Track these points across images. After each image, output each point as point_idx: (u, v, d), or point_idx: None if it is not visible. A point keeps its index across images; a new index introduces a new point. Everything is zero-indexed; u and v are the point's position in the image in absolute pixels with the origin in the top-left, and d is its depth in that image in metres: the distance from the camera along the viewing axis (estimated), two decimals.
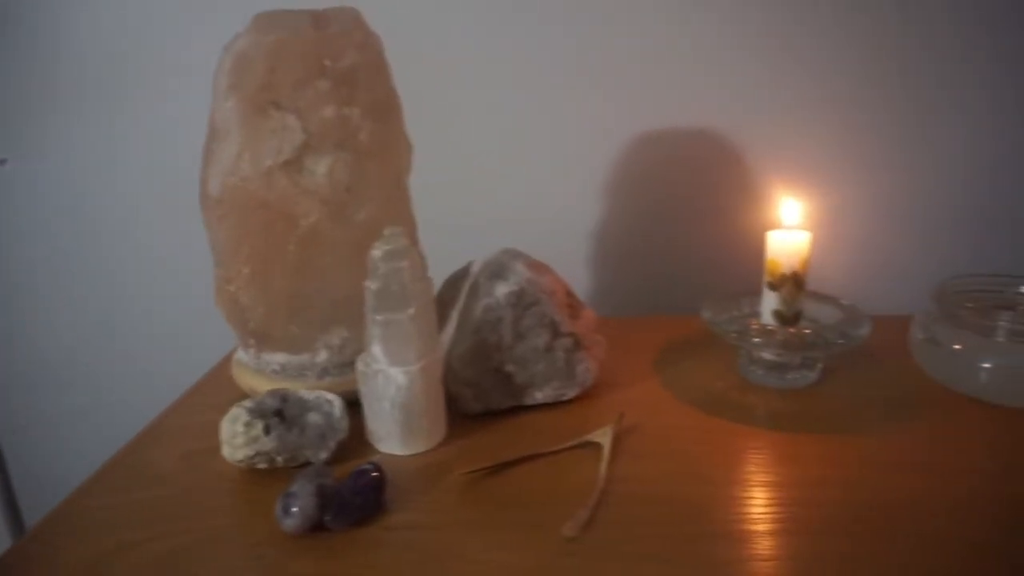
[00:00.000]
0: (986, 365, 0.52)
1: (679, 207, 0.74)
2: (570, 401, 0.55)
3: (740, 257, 0.69)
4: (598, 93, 0.71)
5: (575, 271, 0.76)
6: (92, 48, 0.74)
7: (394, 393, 0.47)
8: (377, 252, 0.47)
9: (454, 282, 0.57)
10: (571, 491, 0.45)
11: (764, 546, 0.40)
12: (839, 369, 0.59)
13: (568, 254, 0.76)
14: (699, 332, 0.62)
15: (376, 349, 0.47)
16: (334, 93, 0.49)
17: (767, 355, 0.57)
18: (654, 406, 0.55)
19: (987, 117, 0.69)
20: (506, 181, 0.75)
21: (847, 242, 0.73)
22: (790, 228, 0.56)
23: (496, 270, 0.52)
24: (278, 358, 0.54)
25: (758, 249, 0.57)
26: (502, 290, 0.51)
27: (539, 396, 0.54)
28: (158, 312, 0.83)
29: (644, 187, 0.74)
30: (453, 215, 0.73)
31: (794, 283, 0.55)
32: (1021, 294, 0.57)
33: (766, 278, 0.56)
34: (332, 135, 0.49)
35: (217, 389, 0.59)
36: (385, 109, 0.52)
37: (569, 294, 0.55)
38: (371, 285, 0.47)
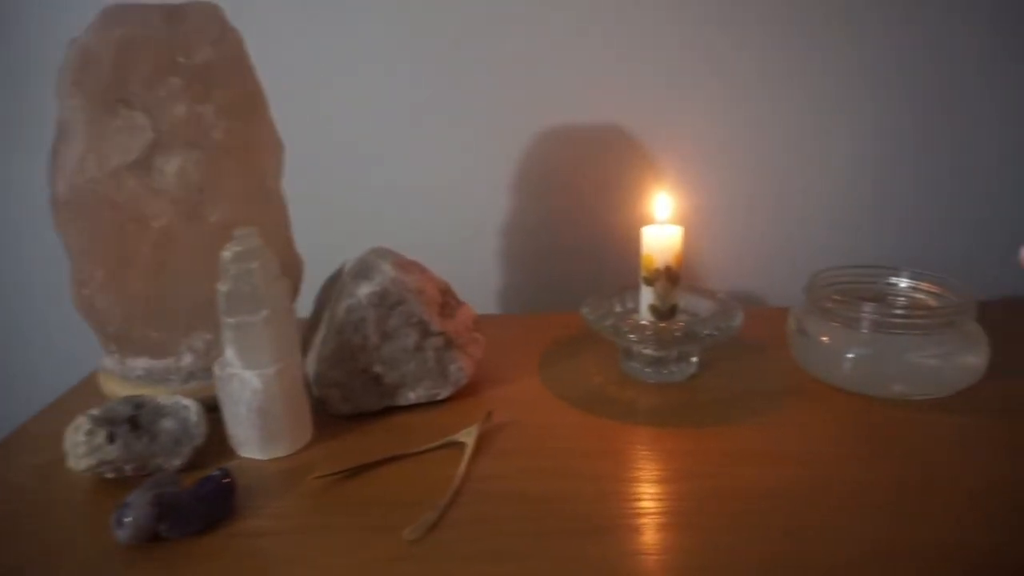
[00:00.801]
0: (850, 355, 0.53)
1: (585, 205, 0.74)
2: (445, 401, 0.55)
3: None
4: (496, 92, 0.71)
5: (485, 269, 0.77)
6: None
7: (250, 397, 0.46)
8: (227, 253, 0.45)
9: (329, 284, 0.56)
10: (429, 492, 0.44)
11: (630, 541, 0.40)
12: (718, 361, 0.59)
13: (476, 252, 0.76)
14: (585, 329, 0.62)
15: (230, 352, 0.46)
16: (187, 90, 0.48)
17: (645, 350, 0.57)
18: (530, 403, 0.54)
19: (868, 118, 0.71)
20: (410, 179, 0.74)
21: (736, 236, 0.74)
22: (663, 223, 0.56)
23: (361, 270, 0.51)
24: (141, 363, 0.52)
25: None
26: (364, 290, 0.50)
27: (412, 396, 0.53)
28: (32, 317, 0.80)
29: (549, 186, 0.74)
30: (353, 216, 0.73)
31: (667, 278, 0.55)
32: (890, 285, 0.59)
33: (642, 273, 0.57)
34: (183, 134, 0.48)
35: (84, 398, 0.57)
36: (246, 107, 0.51)
37: (445, 292, 0.55)
38: (222, 287, 0.45)
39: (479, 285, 0.76)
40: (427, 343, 0.52)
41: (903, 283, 0.58)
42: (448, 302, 0.55)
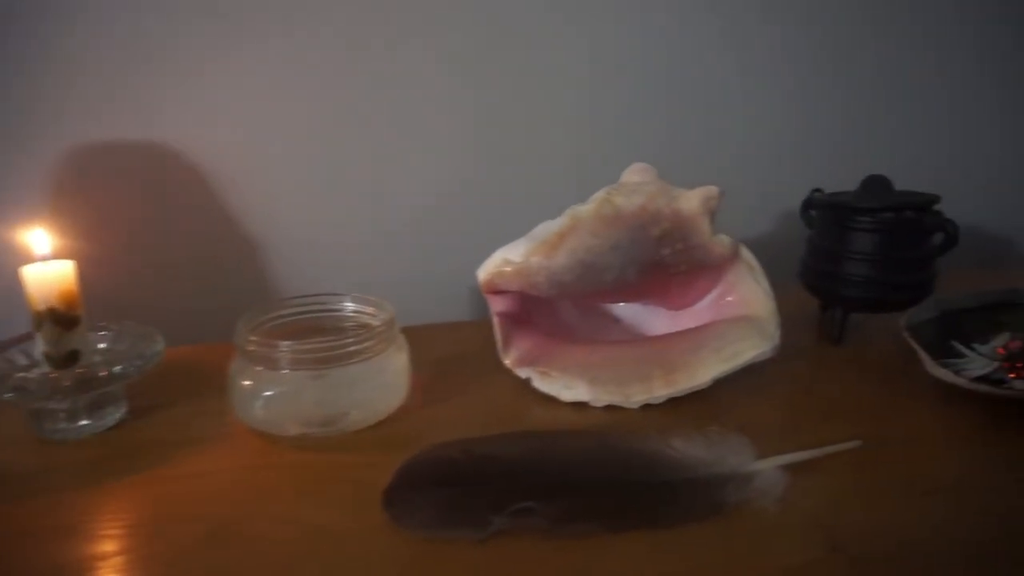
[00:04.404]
0: (267, 394, 0.50)
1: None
2: None
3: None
4: None
5: None
6: None
7: None
8: None
9: None
10: None
11: None
12: (157, 408, 0.53)
13: None
14: None
15: None
16: None
17: (52, 405, 0.49)
18: None
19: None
20: None
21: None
22: (44, 259, 0.48)
23: None
24: None
25: None
26: None
27: None
28: None
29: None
30: None
31: (55, 321, 0.48)
32: (334, 312, 0.56)
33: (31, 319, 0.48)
34: None
35: None
36: None
37: None
38: None
39: None
40: None
41: (350, 307, 0.56)
42: None
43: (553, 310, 0.60)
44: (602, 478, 0.40)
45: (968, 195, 0.80)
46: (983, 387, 0.47)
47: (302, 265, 0.71)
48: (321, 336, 0.51)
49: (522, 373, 0.55)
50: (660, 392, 0.52)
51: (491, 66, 0.70)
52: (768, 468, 0.42)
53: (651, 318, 0.61)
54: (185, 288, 0.68)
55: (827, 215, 0.62)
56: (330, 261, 0.71)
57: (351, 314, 0.55)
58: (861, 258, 0.59)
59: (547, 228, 0.55)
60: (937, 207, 0.59)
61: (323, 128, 0.68)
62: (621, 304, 0.62)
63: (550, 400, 0.53)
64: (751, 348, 0.53)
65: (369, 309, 0.54)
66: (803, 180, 0.67)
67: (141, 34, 0.62)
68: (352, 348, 0.50)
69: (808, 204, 0.65)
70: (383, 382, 0.52)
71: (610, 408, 0.52)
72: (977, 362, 0.52)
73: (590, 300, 0.60)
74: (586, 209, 0.54)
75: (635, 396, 0.52)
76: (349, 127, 0.68)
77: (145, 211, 0.66)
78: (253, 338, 0.49)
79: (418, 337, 0.60)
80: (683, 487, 0.40)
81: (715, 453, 0.42)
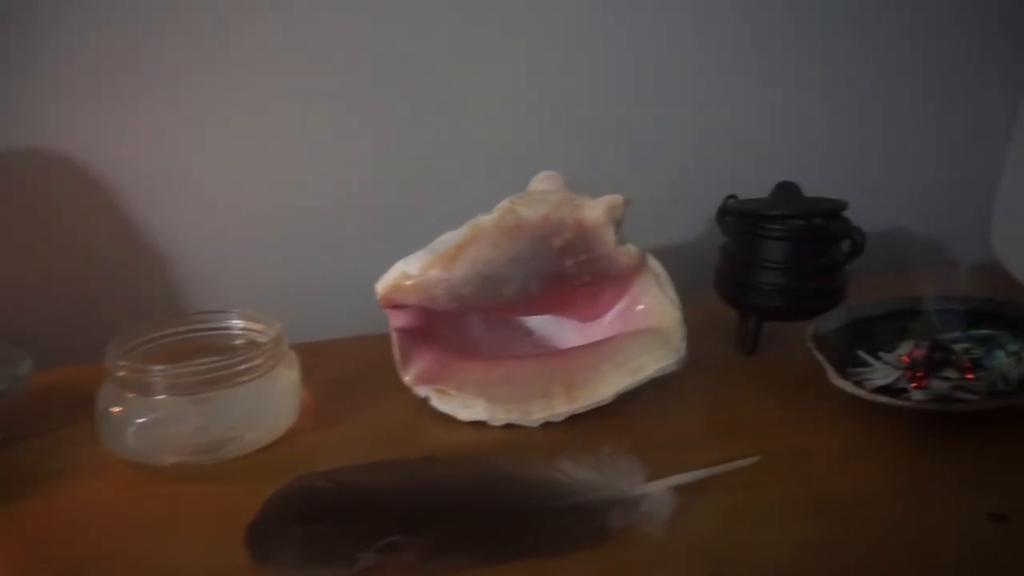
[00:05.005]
0: (139, 421, 0.47)
1: None
2: None
3: None
4: None
5: None
6: None
7: None
8: None
9: None
10: None
11: None
12: (22, 434, 0.50)
13: None
14: None
15: None
16: None
17: None
18: None
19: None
20: None
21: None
22: None
23: None
24: None
25: None
26: None
27: None
28: None
29: None
30: None
31: None
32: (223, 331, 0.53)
33: None
34: None
35: None
36: None
37: None
38: None
39: None
40: None
41: (236, 324, 0.53)
42: None
43: (459, 324, 0.58)
44: (480, 507, 0.38)
45: (892, 199, 0.81)
46: (880, 398, 0.46)
47: (197, 280, 0.68)
48: (204, 357, 0.48)
49: (420, 391, 0.52)
50: (561, 409, 0.50)
51: (393, 72, 0.67)
52: (657, 490, 0.40)
53: (563, 330, 0.59)
54: (62, 307, 0.64)
55: (739, 222, 0.61)
56: (228, 275, 0.68)
57: (239, 332, 0.52)
58: (772, 266, 0.58)
59: (447, 240, 0.53)
60: (846, 213, 0.59)
61: (219, 139, 0.65)
62: (534, 316, 0.60)
63: (449, 420, 0.51)
64: (654, 361, 0.51)
65: (257, 326, 0.52)
66: (723, 186, 0.66)
67: (27, 43, 0.59)
68: (235, 369, 0.47)
69: (723, 211, 0.64)
70: (269, 405, 0.49)
71: (510, 427, 0.50)
72: (881, 371, 0.51)
73: (497, 313, 0.58)
74: (488, 219, 0.52)
75: (535, 414, 0.50)
76: (246, 138, 0.65)
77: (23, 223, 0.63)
78: (123, 363, 0.46)
79: (319, 354, 0.57)
80: (566, 513, 0.38)
81: (604, 476, 0.40)
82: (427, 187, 0.71)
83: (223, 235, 0.67)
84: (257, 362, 0.48)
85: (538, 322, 0.60)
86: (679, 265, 0.79)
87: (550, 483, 0.39)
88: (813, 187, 0.62)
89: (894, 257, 0.75)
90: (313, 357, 0.54)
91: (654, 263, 0.55)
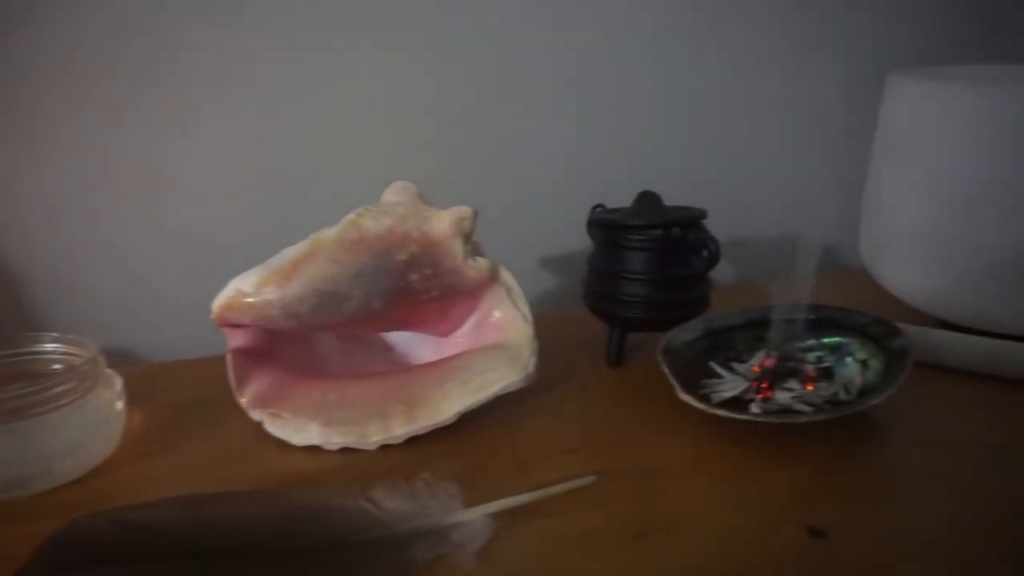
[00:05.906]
0: None
1: None
2: None
3: None
4: None
5: None
6: None
7: None
8: None
9: None
10: None
11: None
12: None
13: None
14: None
15: None
16: None
17: None
18: None
19: None
20: None
21: None
22: None
23: None
24: None
25: None
26: None
27: None
28: None
29: None
30: None
31: None
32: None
33: None
34: None
35: None
36: None
37: None
38: None
39: None
40: None
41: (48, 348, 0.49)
42: None
43: (306, 343, 0.55)
44: (278, 545, 0.35)
45: (775, 205, 0.81)
46: (720, 412, 0.46)
47: (45, 299, 0.63)
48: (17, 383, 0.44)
49: (256, 415, 0.50)
50: (399, 431, 0.48)
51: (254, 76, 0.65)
52: (474, 517, 0.38)
53: (421, 346, 0.57)
54: None
55: (603, 233, 0.60)
56: (79, 297, 0.64)
57: (53, 356, 0.49)
58: (633, 277, 0.57)
59: (285, 255, 0.50)
60: (704, 222, 0.58)
61: (74, 152, 0.61)
62: (391, 332, 0.58)
63: (284, 445, 0.49)
64: (500, 379, 0.49)
65: (73, 349, 0.48)
66: (595, 195, 0.65)
67: None
68: (44, 395, 0.44)
69: (589, 222, 0.62)
70: (82, 434, 0.46)
71: (346, 451, 0.48)
72: (730, 383, 0.51)
73: (347, 330, 0.56)
74: (330, 233, 0.50)
75: (372, 436, 0.48)
76: (94, 151, 0.62)
77: None
78: None
79: (159, 376, 0.54)
80: (369, 547, 0.36)
81: (418, 504, 0.38)
82: (280, 200, 0.68)
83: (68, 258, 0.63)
84: (67, 386, 0.44)
85: (398, 338, 0.58)
86: (554, 278, 0.78)
87: (357, 515, 0.37)
88: (684, 196, 0.61)
89: (770, 264, 0.75)
90: (157, 380, 0.51)
91: (507, 277, 0.54)
